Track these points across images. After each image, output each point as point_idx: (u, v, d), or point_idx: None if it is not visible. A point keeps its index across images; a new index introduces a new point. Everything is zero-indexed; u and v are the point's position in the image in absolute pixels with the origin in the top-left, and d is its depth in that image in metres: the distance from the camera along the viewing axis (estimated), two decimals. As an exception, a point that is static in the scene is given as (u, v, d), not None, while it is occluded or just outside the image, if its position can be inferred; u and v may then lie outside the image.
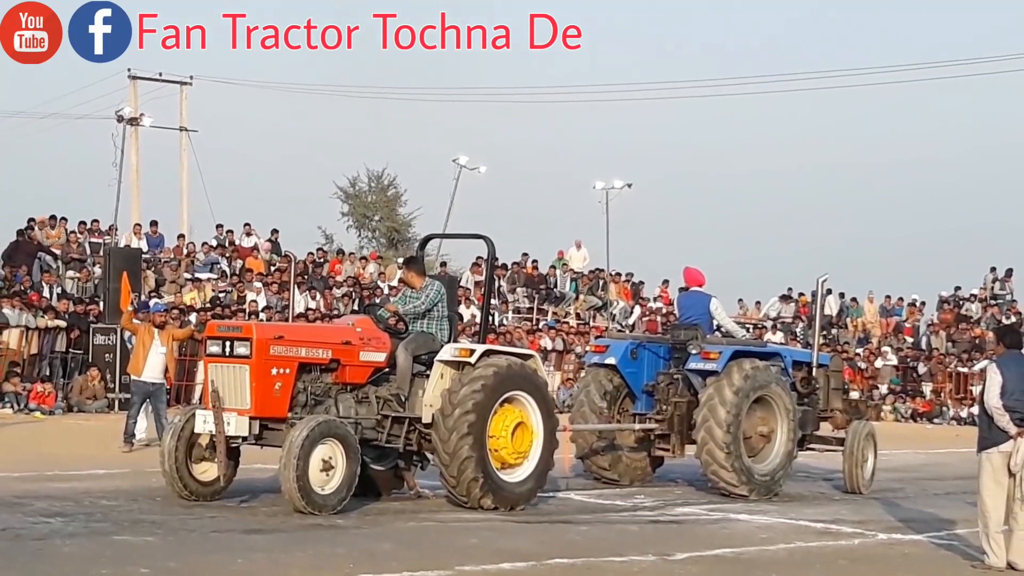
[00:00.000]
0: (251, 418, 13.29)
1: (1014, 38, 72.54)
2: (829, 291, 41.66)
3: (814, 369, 18.23)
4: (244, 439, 13.47)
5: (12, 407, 24.61)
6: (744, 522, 14.38)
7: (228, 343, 13.46)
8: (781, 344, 26.76)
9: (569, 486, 16.53)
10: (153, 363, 18.93)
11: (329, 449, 12.96)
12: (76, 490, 14.17)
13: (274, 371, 13.41)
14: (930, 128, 73.50)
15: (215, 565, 10.16)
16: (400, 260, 16.00)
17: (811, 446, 18.33)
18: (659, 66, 74.22)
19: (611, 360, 17.55)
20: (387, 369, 14.30)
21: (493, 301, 36.04)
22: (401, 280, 15.12)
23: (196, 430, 13.49)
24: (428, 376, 14.16)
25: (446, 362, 14.12)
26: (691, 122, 69.43)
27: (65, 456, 17.93)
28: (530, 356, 14.95)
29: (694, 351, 16.87)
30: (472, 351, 14.13)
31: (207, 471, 13.65)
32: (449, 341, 14.67)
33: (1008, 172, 61.86)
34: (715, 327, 17.76)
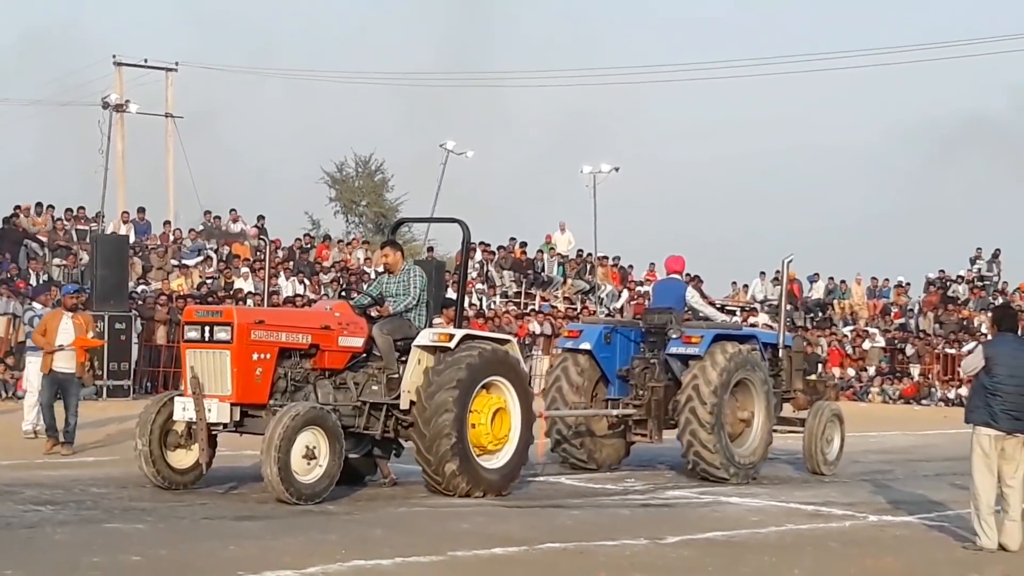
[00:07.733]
0: (232, 404, 13.05)
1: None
2: (817, 275, 41.91)
3: (780, 350, 18.11)
4: (225, 426, 13.23)
5: (0, 395, 24.57)
6: (735, 505, 14.39)
7: (208, 328, 13.18)
8: (767, 327, 26.68)
9: (544, 472, 16.41)
10: (64, 352, 17.31)
11: (312, 437, 12.72)
12: (66, 478, 14.13)
13: (255, 356, 13.17)
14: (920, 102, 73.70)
15: (207, 552, 10.13)
16: (384, 243, 15.61)
17: (774, 428, 17.81)
18: (650, 48, 74.21)
19: (585, 345, 17.25)
20: (364, 355, 14.09)
21: (481, 286, 36.14)
22: (384, 265, 14.74)
23: (175, 417, 13.23)
24: (405, 362, 13.88)
25: (424, 347, 13.84)
26: (678, 104, 69.48)
27: (54, 444, 17.86)
28: (507, 341, 14.66)
29: (675, 335, 16.67)
30: (451, 336, 13.86)
31: (183, 459, 13.44)
32: (426, 326, 14.35)
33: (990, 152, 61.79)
34: (690, 313, 17.55)
